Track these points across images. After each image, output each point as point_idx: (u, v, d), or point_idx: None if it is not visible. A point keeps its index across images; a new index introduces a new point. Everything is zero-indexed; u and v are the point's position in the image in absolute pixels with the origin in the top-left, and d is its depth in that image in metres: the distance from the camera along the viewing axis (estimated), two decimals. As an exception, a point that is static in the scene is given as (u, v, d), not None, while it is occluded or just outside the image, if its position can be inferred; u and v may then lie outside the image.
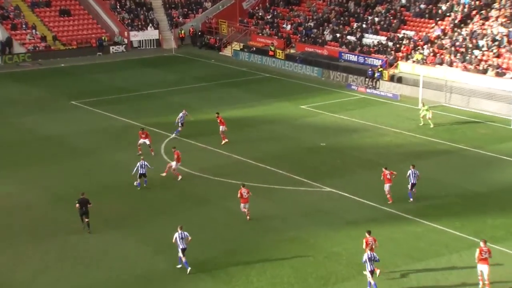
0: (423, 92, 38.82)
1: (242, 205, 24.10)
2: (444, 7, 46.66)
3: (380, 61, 44.44)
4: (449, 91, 39.29)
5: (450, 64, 41.35)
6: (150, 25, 56.42)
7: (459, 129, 34.67)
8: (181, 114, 32.63)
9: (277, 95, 41.65)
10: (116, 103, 39.13)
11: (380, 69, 43.31)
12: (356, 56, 46.16)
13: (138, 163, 26.82)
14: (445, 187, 27.15)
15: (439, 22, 45.73)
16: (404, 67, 43.30)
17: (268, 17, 55.54)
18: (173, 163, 27.74)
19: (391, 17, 48.47)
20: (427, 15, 47.02)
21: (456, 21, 44.51)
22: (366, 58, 45.45)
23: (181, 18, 58.48)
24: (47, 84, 43.99)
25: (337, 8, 52.37)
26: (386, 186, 25.49)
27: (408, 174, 25.59)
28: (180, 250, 20.83)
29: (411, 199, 25.54)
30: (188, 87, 43.47)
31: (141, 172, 26.77)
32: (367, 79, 43.46)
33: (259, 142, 32.69)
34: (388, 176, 25.43)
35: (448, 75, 39.92)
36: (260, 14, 56.47)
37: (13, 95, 41.38)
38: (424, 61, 42.71)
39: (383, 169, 25.67)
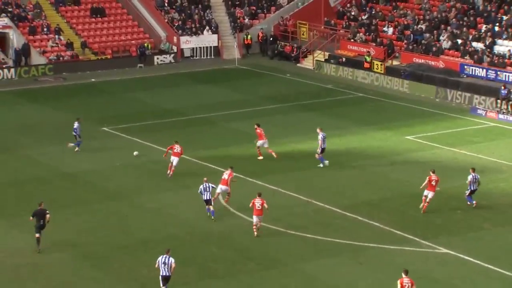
0: None
1: (254, 218, 26.94)
2: None
3: (518, 76, 43.56)
4: None
5: None
6: (207, 28, 57.70)
7: None
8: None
9: (373, 121, 41.41)
10: (161, 130, 40.02)
11: (518, 88, 42.38)
12: (484, 70, 45.45)
13: (201, 186, 28.78)
14: None
15: None
16: (553, 85, 42.12)
17: (364, 17, 55.69)
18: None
19: (535, 17, 47.49)
20: None
21: None
22: (498, 73, 44.64)
23: (247, 19, 59.52)
24: (73, 105, 45.39)
25: (458, 4, 51.89)
26: (430, 194, 29.13)
27: (468, 179, 29.32)
28: (160, 278, 22.92)
29: (473, 202, 29.38)
30: (254, 110, 43.91)
31: (206, 198, 28.83)
32: (499, 101, 42.60)
33: (348, 185, 32.55)
34: (433, 183, 29.03)
35: None
36: (353, 13, 56.73)
37: (29, 120, 42.92)
38: None
39: (430, 173, 29.19)
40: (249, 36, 57.49)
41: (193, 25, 57.50)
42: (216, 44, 57.14)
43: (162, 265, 23.13)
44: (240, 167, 34.31)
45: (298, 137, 38.51)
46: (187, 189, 31.84)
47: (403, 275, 21.92)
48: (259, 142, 35.09)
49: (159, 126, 41.02)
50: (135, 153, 35.73)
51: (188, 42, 56.78)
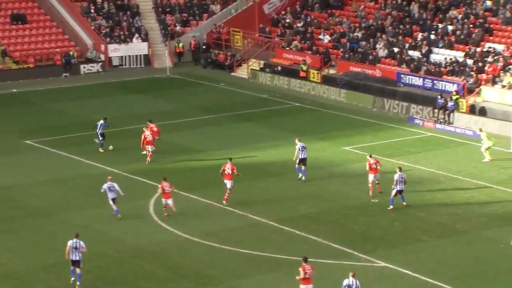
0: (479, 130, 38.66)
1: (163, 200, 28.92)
2: (545, 11, 46.83)
3: (455, 85, 44.51)
4: (553, 127, 39.04)
5: (555, 90, 41.23)
6: (137, 35, 57.30)
7: None
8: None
9: (310, 131, 41.74)
10: (88, 143, 39.48)
11: (455, 97, 43.34)
12: (421, 79, 46.34)
13: (105, 185, 29.83)
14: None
15: (538, 32, 45.88)
16: (490, 94, 43.28)
17: (299, 25, 56.20)
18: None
19: (471, 25, 48.72)
20: (521, 23, 47.23)
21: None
22: (435, 82, 45.58)
23: (178, 27, 59.35)
24: (-6, 116, 44.74)
25: (394, 12, 52.84)
26: (370, 177, 31.39)
27: (395, 178, 30.56)
28: (71, 262, 24.61)
29: (404, 202, 30.86)
30: (187, 121, 43.77)
31: (111, 197, 29.85)
32: (436, 111, 43.48)
33: (286, 197, 32.67)
34: (374, 166, 31.35)
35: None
36: (288, 21, 57.19)
37: None
38: (518, 85, 42.70)
39: (368, 157, 31.44)
40: (180, 44, 57.35)
41: (121, 33, 57.04)
42: (146, 52, 56.82)
43: (74, 249, 24.62)
44: (173, 181, 34.12)
45: (233, 149, 38.53)
46: (118, 204, 31.50)
47: (303, 263, 23.32)
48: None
49: (86, 139, 40.45)
50: (110, 147, 37.83)
51: (116, 50, 56.30)
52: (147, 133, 36.19)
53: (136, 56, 56.70)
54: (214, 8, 60.60)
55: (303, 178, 33.83)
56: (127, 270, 26.40)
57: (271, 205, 31.65)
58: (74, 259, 24.67)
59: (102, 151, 37.87)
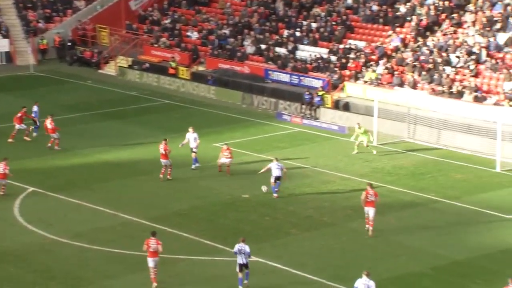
0: (379, 124, 40.19)
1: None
2: (403, 9, 48.83)
3: (320, 81, 45.71)
4: (413, 121, 40.87)
5: (414, 86, 43.15)
6: (-3, 32, 55.50)
7: (428, 173, 36.02)
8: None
9: (180, 129, 41.67)
10: None
11: (321, 93, 44.54)
12: (288, 75, 47.29)
13: None
14: (410, 252, 27.99)
15: (398, 29, 47.82)
16: (353, 90, 44.71)
17: (167, 21, 56.08)
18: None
19: (334, 23, 50.18)
20: (381, 20, 49.04)
21: (420, 28, 46.71)
22: (301, 78, 46.64)
23: (41, 23, 57.91)
24: None
25: (261, 9, 53.65)
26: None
27: (268, 167, 31.48)
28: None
29: (275, 195, 31.41)
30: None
31: None
32: (303, 106, 44.53)
33: (157, 195, 32.65)
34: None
35: (411, 101, 41.58)
36: (155, 17, 56.95)
37: None
38: (379, 81, 44.35)
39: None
40: (44, 41, 55.99)
41: (-19, 29, 55.09)
42: (7, 49, 55.11)
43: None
44: (39, 181, 33.40)
45: (102, 147, 38.08)
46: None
47: (150, 236, 24.64)
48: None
49: None
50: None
51: (-25, 47, 54.38)
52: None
53: (-3, 53, 54.93)
54: (78, 4, 59.50)
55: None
56: (-6, 274, 25.68)
57: (142, 203, 31.56)
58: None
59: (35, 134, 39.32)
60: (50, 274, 25.82)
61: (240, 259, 24.70)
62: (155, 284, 24.77)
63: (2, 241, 27.88)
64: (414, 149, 38.94)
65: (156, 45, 53.58)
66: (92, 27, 57.47)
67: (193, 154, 35.46)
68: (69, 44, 56.21)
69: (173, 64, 50.78)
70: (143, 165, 35.91)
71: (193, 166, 35.40)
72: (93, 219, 30.07)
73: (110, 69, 53.82)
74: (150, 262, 24.80)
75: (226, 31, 52.64)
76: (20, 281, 25.24)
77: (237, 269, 24.84)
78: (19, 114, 39.30)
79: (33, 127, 39.79)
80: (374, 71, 44.68)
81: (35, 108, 40.23)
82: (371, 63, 45.59)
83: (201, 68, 50.91)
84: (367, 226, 28.85)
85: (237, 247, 24.80)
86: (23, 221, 29.56)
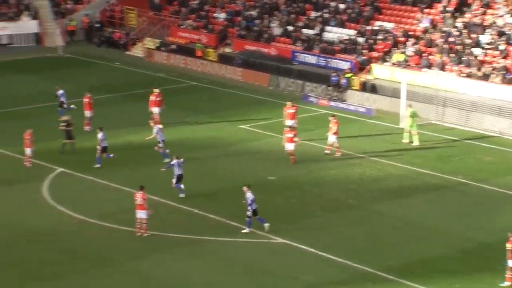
0: (407, 106, 39.92)
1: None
2: (432, -10, 48.30)
3: (347, 63, 45.48)
4: (441, 104, 40.60)
5: (442, 68, 42.79)
6: (26, 13, 55.78)
7: (456, 155, 35.80)
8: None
9: (206, 110, 41.95)
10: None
11: (348, 75, 44.33)
12: (315, 57, 47.10)
13: None
14: (438, 235, 27.90)
15: (427, 11, 47.36)
16: (380, 72, 44.45)
17: (194, 2, 56.01)
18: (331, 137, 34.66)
19: (362, 4, 49.83)
20: (410, 2, 48.60)
21: (449, 9, 46.21)
22: (328, 60, 46.43)
23: (70, 4, 58.13)
24: None
25: (288, -9, 53.30)
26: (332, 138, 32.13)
27: (170, 165, 30.56)
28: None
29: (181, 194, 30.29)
30: (81, 101, 43.12)
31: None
32: (330, 88, 44.37)
33: (184, 176, 32.77)
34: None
35: (439, 83, 41.28)
36: (183, -2, 56.82)
37: None
38: (407, 63, 44.02)
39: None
40: (73, 22, 56.25)
41: (9, 10, 55.45)
42: (36, 31, 55.44)
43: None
44: (68, 162, 33.73)
45: (129, 128, 38.27)
46: (6, 186, 31.01)
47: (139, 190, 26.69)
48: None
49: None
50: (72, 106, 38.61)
51: (5, 29, 54.70)
52: None
53: (26, 34, 55.22)
54: (107, -15, 59.59)
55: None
56: (22, 254, 25.97)
57: (168, 184, 31.67)
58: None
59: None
60: (77, 254, 26.10)
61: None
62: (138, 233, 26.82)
63: (31, 222, 28.22)
64: (442, 131, 38.68)
65: (183, 27, 53.56)
66: (120, 8, 57.58)
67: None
68: (97, 26, 56.39)
69: (200, 46, 50.77)
70: (170, 147, 35.98)
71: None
72: (121, 199, 30.28)
73: (137, 51, 53.96)
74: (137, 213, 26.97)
75: (253, 13, 52.48)
76: (48, 261, 25.53)
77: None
78: (86, 100, 38.29)
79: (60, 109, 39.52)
80: (402, 53, 44.33)
81: (60, 91, 39.89)
82: (399, 45, 45.21)
83: (228, 50, 50.86)
84: None
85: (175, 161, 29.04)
86: (52, 201, 29.86)
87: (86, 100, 38.50)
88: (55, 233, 27.52)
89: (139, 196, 27.11)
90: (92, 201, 30.21)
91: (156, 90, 39.23)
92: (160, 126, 34.69)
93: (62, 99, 39.69)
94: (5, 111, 41.10)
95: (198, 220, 28.61)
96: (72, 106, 39.15)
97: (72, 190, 31.07)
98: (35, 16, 55.67)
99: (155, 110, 38.67)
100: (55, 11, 56.79)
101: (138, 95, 44.63)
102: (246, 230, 27.38)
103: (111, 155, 33.30)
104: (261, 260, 25.65)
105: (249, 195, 27.41)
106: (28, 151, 32.95)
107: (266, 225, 27.38)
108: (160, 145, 34.05)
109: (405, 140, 36.95)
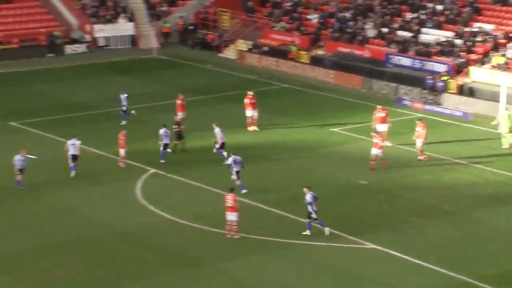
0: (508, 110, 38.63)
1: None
2: (534, -10, 46.76)
3: (444, 66, 44.48)
4: (542, 108, 39.10)
5: (544, 71, 41.27)
6: (123, 15, 56.90)
7: (558, 162, 34.42)
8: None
9: (298, 113, 41.70)
10: (73, 125, 39.24)
11: (445, 77, 43.34)
12: (410, 59, 46.27)
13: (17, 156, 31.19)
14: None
15: (527, 12, 45.87)
16: (478, 75, 43.28)
17: (288, 4, 55.90)
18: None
19: (461, 5, 48.62)
20: (511, 1, 47.16)
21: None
22: (424, 62, 45.54)
23: (165, 7, 58.96)
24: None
25: (383, -8, 52.60)
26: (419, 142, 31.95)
27: (160, 134, 32.55)
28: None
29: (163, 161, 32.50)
30: (174, 103, 43.58)
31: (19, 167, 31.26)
32: (425, 91, 43.44)
33: (273, 179, 32.61)
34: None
35: (540, 86, 39.80)
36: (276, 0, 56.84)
37: None
38: (507, 66, 42.70)
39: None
40: (167, 24, 57.04)
41: (107, 13, 56.65)
42: (132, 33, 56.48)
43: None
44: (155, 162, 34.04)
45: (224, 130, 38.37)
46: (101, 186, 31.48)
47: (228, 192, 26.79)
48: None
49: (71, 120, 40.25)
50: (133, 111, 39.15)
51: (102, 31, 55.96)
52: None
53: (122, 36, 56.37)
54: (201, -13, 60.21)
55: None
56: (117, 253, 26.30)
57: (258, 187, 31.53)
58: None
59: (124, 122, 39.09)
60: (168, 255, 26.22)
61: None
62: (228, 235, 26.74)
63: (123, 222, 28.54)
64: (543, 137, 37.21)
65: (276, 29, 53.51)
66: (214, 10, 58.02)
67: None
68: (191, 28, 57.00)
69: (293, 48, 50.57)
70: (256, 150, 35.90)
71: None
72: (212, 201, 30.31)
73: (230, 53, 54.22)
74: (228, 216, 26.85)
75: (347, 14, 51.96)
76: (139, 261, 25.74)
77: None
78: (179, 101, 38.62)
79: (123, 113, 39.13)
80: (503, 55, 43.03)
81: (123, 96, 39.29)
82: (500, 47, 43.94)
83: (320, 52, 50.50)
84: None
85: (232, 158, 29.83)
86: (144, 202, 30.16)
87: (178, 101, 38.89)
88: (147, 232, 27.73)
89: (230, 198, 27.05)
90: (183, 202, 30.35)
91: (250, 93, 39.28)
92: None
93: (124, 103, 39.34)
94: (99, 112, 41.79)
95: (289, 224, 28.33)
96: (132, 111, 39.24)
97: (164, 191, 31.29)
98: (131, 19, 56.74)
99: (249, 113, 38.45)
100: (151, 13, 57.74)
101: (230, 97, 44.78)
102: (307, 232, 27.05)
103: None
104: (354, 266, 25.17)
105: (308, 197, 26.99)
106: (122, 151, 33.45)
107: (327, 229, 26.90)
108: (217, 145, 34.02)
109: (505, 145, 35.74)
